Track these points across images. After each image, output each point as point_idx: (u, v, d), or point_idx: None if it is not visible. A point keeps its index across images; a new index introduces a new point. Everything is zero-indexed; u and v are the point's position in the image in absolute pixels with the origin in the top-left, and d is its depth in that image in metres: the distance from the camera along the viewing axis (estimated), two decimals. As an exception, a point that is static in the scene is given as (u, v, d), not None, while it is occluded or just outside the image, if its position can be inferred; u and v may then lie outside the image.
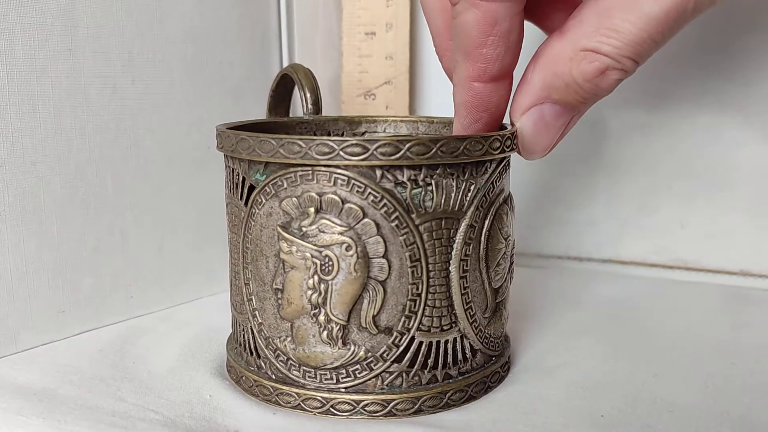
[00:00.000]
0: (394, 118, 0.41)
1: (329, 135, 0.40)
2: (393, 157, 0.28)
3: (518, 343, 0.38)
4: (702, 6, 0.28)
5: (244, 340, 0.33)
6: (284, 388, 0.31)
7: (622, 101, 0.49)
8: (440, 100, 0.52)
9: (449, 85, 0.33)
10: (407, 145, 0.28)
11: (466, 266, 0.31)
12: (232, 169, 0.32)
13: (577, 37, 0.30)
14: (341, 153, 0.28)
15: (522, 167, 0.52)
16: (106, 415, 0.30)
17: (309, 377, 0.31)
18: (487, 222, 0.31)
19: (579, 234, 0.51)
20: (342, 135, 0.40)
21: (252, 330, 0.32)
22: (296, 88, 0.39)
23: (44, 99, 0.36)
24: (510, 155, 0.32)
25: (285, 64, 0.48)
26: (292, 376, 0.31)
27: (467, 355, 0.32)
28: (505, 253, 0.33)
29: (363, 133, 0.41)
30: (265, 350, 0.31)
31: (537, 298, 0.45)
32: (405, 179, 0.29)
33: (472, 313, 0.31)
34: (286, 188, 0.30)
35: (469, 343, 0.32)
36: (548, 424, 0.30)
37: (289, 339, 0.31)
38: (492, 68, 0.31)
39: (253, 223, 0.31)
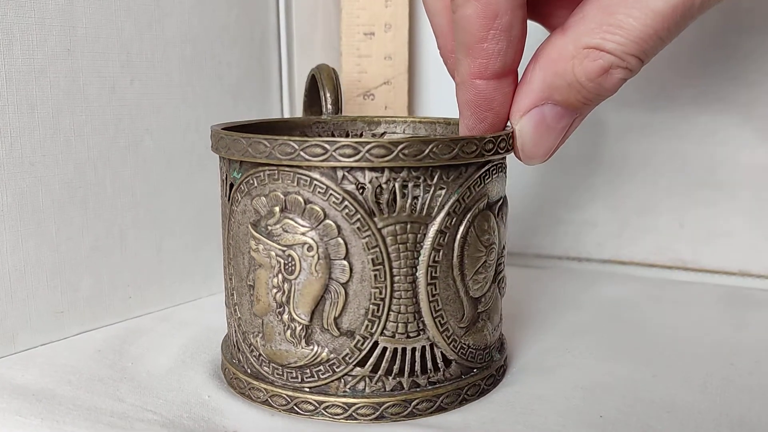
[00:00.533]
0: (413, 120, 0.40)
1: (347, 135, 0.40)
2: (351, 159, 0.28)
3: (517, 344, 0.38)
4: (710, 2, 0.27)
5: (230, 334, 0.34)
6: (255, 383, 0.31)
7: (623, 102, 0.49)
8: (439, 100, 0.52)
9: (449, 85, 0.33)
10: (367, 147, 0.28)
11: (435, 273, 0.30)
12: (221, 168, 0.33)
13: (579, 34, 0.28)
14: (302, 153, 0.28)
15: (521, 167, 0.52)
16: (105, 416, 0.30)
17: (277, 374, 0.31)
18: (462, 228, 0.30)
19: (579, 234, 0.51)
20: (360, 135, 0.40)
21: (233, 324, 0.33)
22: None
23: (43, 99, 0.36)
24: (498, 159, 0.31)
25: (284, 64, 0.48)
26: (263, 372, 0.31)
27: (438, 365, 0.31)
28: (486, 261, 0.31)
29: (382, 134, 0.41)
30: (243, 344, 0.32)
31: (536, 299, 0.45)
32: (366, 182, 0.29)
33: (442, 322, 0.30)
34: (256, 187, 0.30)
35: (441, 352, 0.31)
36: (547, 425, 0.30)
37: (260, 335, 0.31)
38: (494, 64, 0.30)
39: (233, 220, 0.32)
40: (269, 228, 0.30)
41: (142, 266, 0.41)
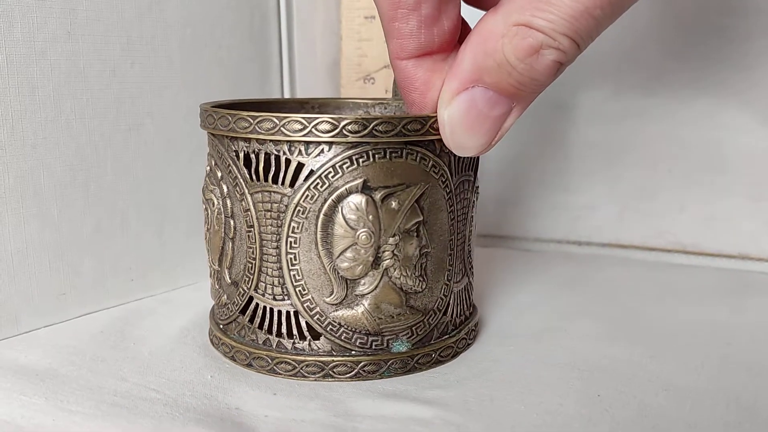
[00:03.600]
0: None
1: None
2: (227, 128, 0.31)
3: (517, 326, 0.38)
4: None
5: None
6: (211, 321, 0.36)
7: (621, 86, 0.49)
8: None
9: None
10: (234, 119, 0.31)
11: (295, 244, 0.31)
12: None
13: (509, 11, 0.27)
14: (218, 123, 0.32)
15: (522, 151, 0.52)
16: (108, 395, 0.30)
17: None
18: (325, 206, 0.31)
19: (578, 218, 0.52)
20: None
21: None
22: None
23: (43, 82, 0.36)
24: (390, 142, 0.30)
25: (284, 48, 0.48)
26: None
27: (304, 334, 0.32)
28: (356, 245, 0.31)
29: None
30: None
31: (536, 282, 0.45)
32: (238, 149, 0.32)
33: (303, 293, 0.31)
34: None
35: (306, 322, 0.32)
36: (545, 404, 0.30)
37: None
38: (408, 44, 0.29)
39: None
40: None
41: (143, 249, 0.41)
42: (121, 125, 0.39)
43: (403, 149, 0.31)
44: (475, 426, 0.28)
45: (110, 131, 0.39)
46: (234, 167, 0.32)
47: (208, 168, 0.34)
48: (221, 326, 0.35)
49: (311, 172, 0.30)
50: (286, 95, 0.49)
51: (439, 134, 0.30)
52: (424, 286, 0.32)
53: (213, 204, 0.34)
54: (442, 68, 0.30)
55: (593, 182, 0.51)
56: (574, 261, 0.49)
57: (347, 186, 0.30)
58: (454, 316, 0.35)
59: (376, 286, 0.32)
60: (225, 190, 0.33)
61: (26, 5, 0.35)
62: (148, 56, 0.40)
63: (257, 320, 0.33)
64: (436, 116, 0.30)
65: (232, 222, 0.33)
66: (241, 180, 0.32)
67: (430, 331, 0.33)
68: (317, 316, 0.32)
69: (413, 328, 0.33)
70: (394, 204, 0.31)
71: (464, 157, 0.33)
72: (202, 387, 0.31)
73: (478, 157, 0.35)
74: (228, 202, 0.33)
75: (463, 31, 0.31)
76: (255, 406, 0.30)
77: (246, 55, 0.46)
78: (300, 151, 0.30)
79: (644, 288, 0.44)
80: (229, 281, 0.33)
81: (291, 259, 0.31)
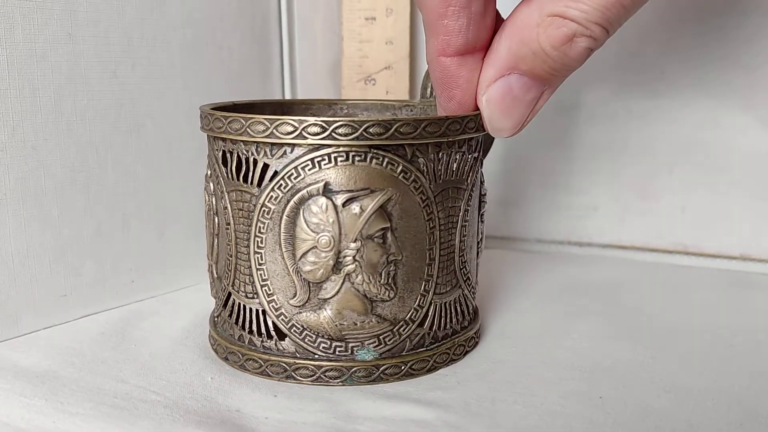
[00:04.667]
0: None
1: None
2: (208, 127, 0.32)
3: (518, 326, 0.38)
4: None
5: None
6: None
7: (623, 87, 0.49)
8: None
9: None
10: (213, 119, 0.32)
11: (261, 244, 0.31)
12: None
13: (544, 1, 0.28)
14: (203, 123, 0.33)
15: (524, 152, 0.52)
16: (108, 397, 0.30)
17: None
18: (287, 208, 0.30)
19: (580, 219, 0.51)
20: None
21: None
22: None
23: (44, 83, 0.36)
24: (347, 145, 0.30)
25: (285, 49, 0.48)
26: None
27: (271, 333, 0.32)
28: (316, 248, 0.31)
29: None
30: None
31: (537, 283, 0.45)
32: (218, 149, 0.32)
33: (269, 293, 0.32)
34: None
35: (272, 321, 0.32)
36: (546, 405, 0.30)
37: None
38: (456, 41, 0.30)
39: None
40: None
41: (144, 250, 0.41)
42: (122, 126, 0.39)
43: (368, 153, 0.30)
44: (476, 427, 0.28)
45: (111, 132, 0.39)
46: (217, 166, 0.33)
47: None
48: (213, 319, 0.35)
49: (275, 173, 0.31)
50: (287, 96, 0.49)
51: (408, 138, 0.30)
52: (392, 295, 0.31)
53: (206, 201, 0.35)
54: (480, 66, 0.31)
55: (595, 183, 0.51)
56: (576, 262, 0.49)
57: (308, 188, 0.30)
58: (435, 328, 0.33)
59: (338, 291, 0.31)
60: (212, 187, 0.34)
61: (27, 7, 0.35)
62: (149, 58, 0.40)
63: (234, 316, 0.33)
64: (402, 120, 0.29)
65: (216, 219, 0.34)
66: (222, 179, 0.33)
67: (401, 342, 0.32)
68: (282, 317, 0.32)
69: (380, 337, 0.32)
70: (356, 209, 0.30)
71: (452, 164, 0.32)
72: (203, 389, 0.31)
73: (477, 164, 0.34)
74: (214, 199, 0.33)
75: (496, 22, 0.31)
76: (255, 408, 0.30)
77: (247, 56, 0.46)
78: (266, 152, 0.31)
79: (646, 289, 0.44)
80: (216, 276, 0.34)
81: (258, 258, 0.32)
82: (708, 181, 0.48)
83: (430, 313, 0.33)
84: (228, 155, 0.32)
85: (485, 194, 0.36)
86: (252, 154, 0.31)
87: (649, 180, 0.49)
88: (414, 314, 0.32)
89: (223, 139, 0.32)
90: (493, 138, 0.38)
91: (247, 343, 0.33)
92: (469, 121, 0.32)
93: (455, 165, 0.32)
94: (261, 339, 0.32)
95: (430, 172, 0.31)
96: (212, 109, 0.33)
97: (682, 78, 0.47)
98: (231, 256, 0.33)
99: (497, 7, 0.31)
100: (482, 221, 0.36)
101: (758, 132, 0.46)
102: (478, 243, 0.36)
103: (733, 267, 0.48)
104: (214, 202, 0.33)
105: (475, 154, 0.34)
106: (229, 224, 0.32)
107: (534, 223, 0.52)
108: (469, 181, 0.33)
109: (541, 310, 0.40)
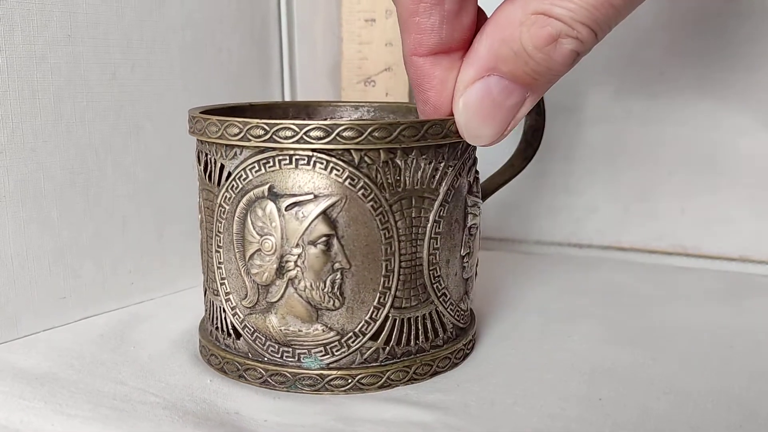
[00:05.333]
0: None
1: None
2: (189, 129, 0.33)
3: (518, 329, 0.38)
4: None
5: None
6: None
7: (623, 87, 0.49)
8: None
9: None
10: (194, 120, 0.32)
11: (220, 243, 0.32)
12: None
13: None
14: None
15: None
16: (107, 399, 0.30)
17: None
18: (238, 209, 0.30)
19: (579, 221, 0.51)
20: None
21: None
22: None
23: (44, 85, 0.36)
24: (294, 150, 0.29)
25: (284, 50, 0.48)
26: None
27: (229, 331, 0.33)
28: (260, 251, 0.30)
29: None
30: None
31: (537, 285, 0.45)
32: (196, 149, 0.33)
33: (227, 291, 0.32)
34: None
35: (230, 320, 0.32)
36: (546, 408, 0.30)
37: None
38: (428, 40, 0.28)
39: None
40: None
41: (143, 252, 0.41)
42: (122, 128, 0.39)
43: (311, 158, 0.29)
44: (476, 430, 0.28)
45: (110, 134, 0.39)
46: (197, 166, 0.34)
47: None
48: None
49: (229, 174, 0.31)
50: (287, 98, 0.49)
51: (351, 143, 0.29)
52: (337, 304, 0.30)
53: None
54: (458, 66, 0.29)
55: (594, 184, 0.51)
56: (575, 264, 0.49)
57: (255, 191, 0.30)
58: (393, 344, 0.31)
59: (282, 296, 0.31)
60: (198, 186, 0.34)
61: (26, 8, 0.35)
62: (149, 59, 0.40)
63: (207, 311, 0.34)
64: (345, 124, 0.28)
65: (199, 215, 0.34)
66: (198, 178, 0.34)
67: (350, 354, 0.31)
68: (236, 316, 0.32)
69: (327, 347, 0.31)
70: (299, 214, 0.29)
71: (416, 172, 0.30)
72: (202, 391, 0.31)
73: (456, 174, 0.32)
74: (199, 198, 0.34)
75: (480, 20, 0.30)
76: (254, 410, 0.30)
77: (246, 58, 0.46)
78: (222, 153, 0.31)
79: (645, 290, 0.44)
80: (203, 270, 0.35)
81: (218, 257, 0.32)
82: (707, 182, 0.48)
83: (386, 328, 0.31)
84: (199, 155, 0.33)
85: (474, 206, 0.34)
86: (212, 154, 0.31)
87: (648, 181, 0.49)
88: (365, 327, 0.31)
89: (199, 140, 0.33)
90: (525, 163, 0.37)
91: (214, 339, 0.34)
92: (431, 126, 0.29)
93: (419, 173, 0.30)
94: (223, 336, 0.33)
95: (383, 179, 0.30)
96: (201, 112, 0.33)
97: (681, 79, 0.47)
98: (204, 253, 0.34)
99: (487, 7, 0.30)
100: (470, 235, 0.34)
101: (758, 133, 0.46)
102: (462, 258, 0.33)
103: (733, 268, 0.47)
104: (199, 201, 0.34)
105: (453, 163, 0.31)
106: (202, 222, 0.34)
107: (533, 224, 0.52)
108: (440, 191, 0.31)
109: (540, 312, 0.40)
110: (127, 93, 0.39)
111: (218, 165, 0.31)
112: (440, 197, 0.31)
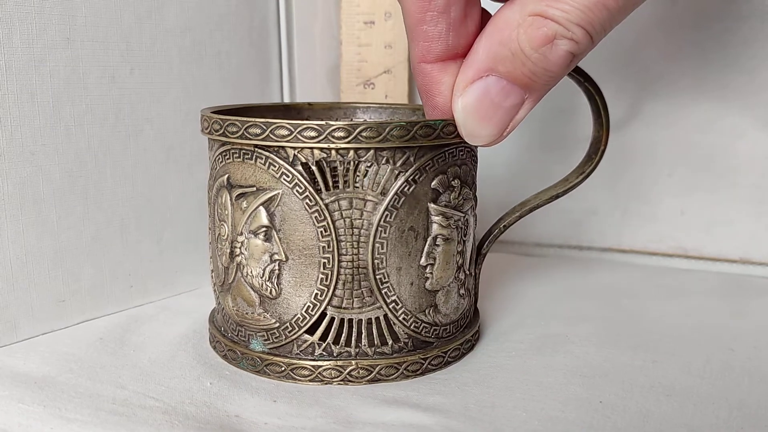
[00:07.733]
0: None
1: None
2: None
3: (518, 331, 0.38)
4: None
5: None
6: None
7: (622, 90, 0.48)
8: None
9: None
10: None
11: (210, 226, 0.35)
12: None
13: (525, 1, 0.27)
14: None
15: (523, 155, 0.52)
16: (107, 403, 0.30)
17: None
18: (212, 196, 0.34)
19: (579, 223, 0.51)
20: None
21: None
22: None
23: (42, 88, 0.36)
24: (243, 144, 0.31)
25: (284, 53, 0.48)
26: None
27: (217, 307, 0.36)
28: (220, 235, 0.33)
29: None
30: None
31: (537, 287, 0.45)
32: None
33: (211, 270, 0.35)
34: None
35: (215, 297, 0.36)
36: (546, 410, 0.30)
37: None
38: (436, 47, 0.29)
39: None
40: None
41: (143, 255, 0.41)
42: (121, 131, 0.39)
43: (253, 152, 0.31)
44: (476, 433, 0.28)
45: (109, 137, 0.39)
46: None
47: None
48: None
49: (212, 167, 0.34)
50: (286, 100, 0.49)
51: (283, 141, 0.30)
52: (274, 293, 0.32)
53: None
54: None
55: (594, 186, 0.50)
56: (576, 266, 0.49)
57: (219, 180, 0.33)
58: (330, 341, 0.32)
59: (233, 279, 0.33)
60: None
61: (25, 11, 0.35)
62: (148, 62, 0.40)
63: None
64: (277, 123, 0.30)
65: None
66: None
67: (287, 343, 0.32)
68: (215, 293, 0.35)
69: (268, 332, 0.33)
70: (242, 203, 0.32)
71: (358, 173, 0.30)
72: (202, 394, 0.31)
73: (412, 180, 0.30)
74: None
75: (484, 24, 0.30)
76: (255, 413, 0.30)
77: (246, 60, 0.46)
78: (211, 145, 0.34)
79: (646, 292, 0.44)
80: None
81: (210, 238, 0.35)
82: (707, 184, 0.48)
83: (323, 324, 0.32)
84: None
85: (441, 216, 0.32)
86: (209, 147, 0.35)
87: (648, 183, 0.49)
88: (300, 320, 0.32)
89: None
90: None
91: (212, 315, 0.37)
92: (364, 129, 0.29)
93: (361, 176, 0.30)
94: (215, 312, 0.36)
95: (319, 178, 0.30)
96: (212, 112, 0.35)
97: (680, 81, 0.47)
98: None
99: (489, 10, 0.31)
100: (435, 245, 0.32)
101: (757, 134, 0.46)
102: (423, 268, 0.32)
103: (733, 270, 0.47)
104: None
105: (403, 169, 0.30)
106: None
107: (533, 226, 0.52)
108: (389, 196, 0.30)
109: (541, 314, 0.40)
110: (126, 96, 0.39)
111: (210, 156, 0.35)
112: (386, 202, 0.31)
